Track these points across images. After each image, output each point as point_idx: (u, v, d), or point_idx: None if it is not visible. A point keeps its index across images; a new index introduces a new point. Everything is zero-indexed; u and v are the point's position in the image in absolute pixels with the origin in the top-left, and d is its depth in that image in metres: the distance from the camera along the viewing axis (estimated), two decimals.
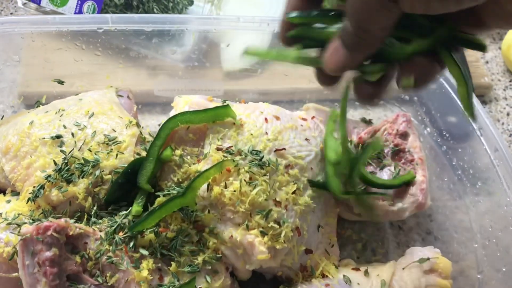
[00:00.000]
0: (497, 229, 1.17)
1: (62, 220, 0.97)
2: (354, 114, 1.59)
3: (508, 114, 1.70)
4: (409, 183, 1.26)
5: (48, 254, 0.93)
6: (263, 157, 1.11)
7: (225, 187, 1.07)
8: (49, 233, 0.93)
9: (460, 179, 1.32)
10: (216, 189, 1.07)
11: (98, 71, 1.45)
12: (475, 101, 1.28)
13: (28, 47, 1.37)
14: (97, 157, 1.12)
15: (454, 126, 1.37)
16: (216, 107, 1.15)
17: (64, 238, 0.96)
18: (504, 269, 1.12)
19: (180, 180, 1.11)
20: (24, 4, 1.57)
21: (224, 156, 1.10)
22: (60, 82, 1.41)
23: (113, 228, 1.05)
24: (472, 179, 1.28)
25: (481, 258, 1.19)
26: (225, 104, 1.21)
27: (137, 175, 1.10)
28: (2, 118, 1.35)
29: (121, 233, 1.04)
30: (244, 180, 1.07)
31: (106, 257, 1.01)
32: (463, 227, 1.30)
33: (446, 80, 1.34)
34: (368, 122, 1.50)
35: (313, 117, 1.31)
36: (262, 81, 1.55)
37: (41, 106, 1.32)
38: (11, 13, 1.78)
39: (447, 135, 1.37)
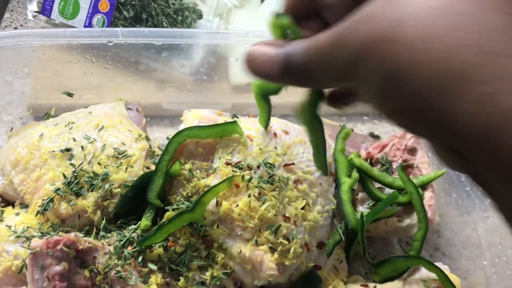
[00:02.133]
0: (507, 246, 1.17)
1: (72, 234, 0.97)
2: (362, 128, 1.59)
3: None
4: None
5: (57, 268, 0.93)
6: (274, 172, 1.11)
7: (234, 202, 1.07)
8: (59, 247, 0.93)
9: (469, 195, 1.32)
10: (225, 204, 1.07)
11: (107, 84, 1.46)
12: None
13: (38, 59, 1.38)
14: (107, 171, 1.13)
15: None
16: (224, 124, 1.15)
17: (73, 253, 0.96)
18: None
19: (189, 194, 1.11)
20: (34, 16, 1.58)
21: (233, 170, 1.10)
22: (70, 95, 1.41)
23: (122, 242, 1.05)
24: (481, 195, 1.28)
25: (490, 276, 1.19)
26: (233, 119, 1.21)
27: (146, 189, 1.10)
28: (11, 130, 1.35)
29: (130, 248, 1.04)
30: (254, 196, 1.07)
31: (115, 271, 1.00)
32: (472, 243, 1.29)
33: None
34: (376, 137, 1.50)
35: None
36: None
37: (50, 118, 1.33)
38: (20, 25, 1.80)
39: None
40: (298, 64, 0.62)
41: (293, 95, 1.55)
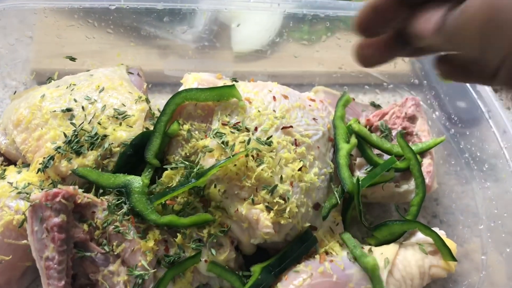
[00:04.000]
0: (503, 211, 1.17)
1: (71, 187, 0.99)
2: (364, 98, 1.59)
3: None
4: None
5: (56, 220, 0.95)
6: (271, 133, 1.12)
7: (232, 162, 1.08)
8: (57, 199, 0.95)
9: (468, 163, 1.32)
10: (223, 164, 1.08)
11: (109, 50, 1.47)
12: (488, 87, 1.28)
13: (41, 23, 1.39)
14: (106, 130, 1.14)
15: (463, 110, 1.36)
16: (222, 87, 1.15)
17: (72, 205, 0.98)
18: (508, 250, 1.12)
19: (188, 154, 1.12)
20: None
21: (231, 131, 1.11)
22: (72, 59, 1.42)
23: (120, 201, 1.07)
24: (480, 163, 1.28)
25: (486, 240, 1.19)
26: (232, 83, 1.21)
27: (144, 148, 1.11)
28: (15, 93, 1.36)
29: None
30: (252, 156, 1.08)
31: (113, 226, 1.02)
32: (470, 212, 1.30)
33: None
34: (377, 106, 1.50)
35: (321, 100, 1.31)
36: (272, 63, 1.56)
37: (53, 81, 1.34)
38: None
39: (456, 119, 1.36)
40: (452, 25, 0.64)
41: (294, 65, 1.56)
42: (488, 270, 1.14)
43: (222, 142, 1.08)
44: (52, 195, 0.95)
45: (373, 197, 1.26)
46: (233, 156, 1.06)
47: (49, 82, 1.37)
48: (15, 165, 1.22)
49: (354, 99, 1.47)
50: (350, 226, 1.27)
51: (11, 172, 1.17)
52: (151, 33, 1.45)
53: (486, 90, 1.27)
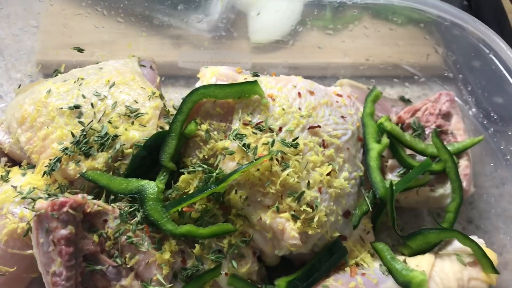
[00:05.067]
0: None
1: (79, 196, 0.90)
2: (391, 92, 1.48)
3: None
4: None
5: (63, 232, 0.86)
6: (297, 134, 1.02)
7: (255, 166, 0.98)
8: (65, 209, 0.87)
9: (508, 165, 1.21)
10: (245, 169, 0.98)
11: (119, 40, 1.37)
12: None
13: (47, 12, 1.30)
14: (118, 130, 1.05)
15: (502, 106, 1.25)
16: (243, 83, 1.05)
17: (81, 216, 0.89)
18: None
19: (206, 156, 1.03)
20: None
21: (253, 132, 1.02)
22: (80, 50, 1.33)
23: (133, 208, 0.98)
24: None
25: None
26: (254, 78, 1.11)
27: (159, 150, 1.02)
28: (19, 87, 1.28)
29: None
30: (276, 159, 0.99)
31: (125, 237, 0.94)
32: (509, 217, 1.20)
33: (497, 56, 1.22)
34: (407, 101, 1.40)
35: (348, 96, 1.21)
36: (293, 54, 1.45)
37: (59, 75, 1.25)
38: None
39: (495, 117, 1.26)
40: None
41: (317, 56, 1.46)
42: None
43: (243, 145, 0.99)
44: (59, 205, 0.87)
45: (406, 202, 1.17)
46: (256, 160, 0.97)
47: (56, 75, 1.28)
48: (20, 166, 1.14)
49: (382, 93, 1.37)
50: (380, 232, 1.18)
51: (15, 174, 1.09)
52: (164, 22, 1.35)
53: None
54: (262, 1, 1.40)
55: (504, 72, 1.20)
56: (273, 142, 1.00)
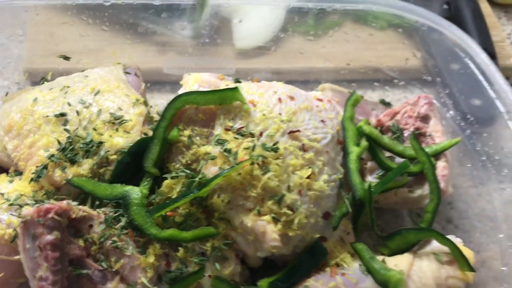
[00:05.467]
0: None
1: (64, 202, 0.93)
2: (373, 95, 1.52)
3: None
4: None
5: (49, 237, 0.88)
6: (278, 139, 1.05)
7: (236, 171, 1.01)
8: (50, 215, 0.89)
9: (484, 165, 1.25)
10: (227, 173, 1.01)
11: (105, 47, 1.40)
12: (504, 83, 1.21)
13: (33, 21, 1.32)
14: (102, 137, 1.07)
15: (479, 109, 1.29)
16: (224, 90, 1.08)
17: (66, 221, 0.92)
18: None
19: (189, 162, 1.06)
20: None
21: (234, 137, 1.04)
22: (66, 58, 1.35)
23: (118, 213, 1.00)
24: (498, 166, 1.21)
25: (506, 249, 1.13)
26: (235, 84, 1.14)
27: (143, 156, 1.04)
28: (6, 95, 1.30)
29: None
30: (257, 164, 1.02)
31: (111, 241, 0.96)
32: (486, 216, 1.23)
33: (472, 60, 1.26)
34: (387, 104, 1.43)
35: (329, 100, 1.24)
36: (276, 59, 1.48)
37: (46, 82, 1.27)
38: None
39: (471, 119, 1.29)
40: None
41: (299, 61, 1.49)
42: (511, 282, 1.08)
43: (225, 150, 1.02)
44: (44, 211, 0.89)
45: (385, 203, 1.20)
46: (237, 164, 0.99)
47: (42, 83, 1.30)
48: (7, 173, 1.16)
49: (363, 97, 1.40)
50: (361, 233, 1.21)
51: (3, 182, 1.11)
52: (149, 29, 1.38)
53: (505, 89, 1.20)
54: (245, 9, 1.43)
55: (479, 76, 1.24)
56: (254, 146, 1.03)
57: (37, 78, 1.36)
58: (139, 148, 1.06)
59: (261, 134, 1.07)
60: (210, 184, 0.98)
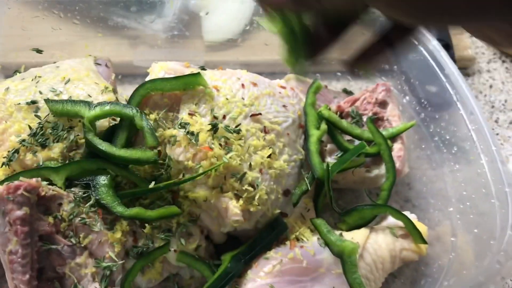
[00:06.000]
0: (471, 192, 1.18)
1: (33, 180, 0.97)
2: (337, 86, 1.58)
3: (491, 87, 1.70)
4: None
5: (18, 213, 0.93)
6: (240, 121, 1.11)
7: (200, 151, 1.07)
8: (19, 192, 0.93)
9: (438, 147, 1.32)
10: (190, 154, 1.07)
11: (77, 41, 1.44)
12: (453, 67, 1.29)
13: (5, 15, 1.36)
14: (72, 122, 1.12)
15: (433, 94, 1.37)
16: (187, 75, 1.14)
17: (35, 198, 0.96)
18: (476, 231, 1.13)
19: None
20: None
21: (197, 121, 1.10)
22: (39, 51, 1.39)
23: (87, 194, 1.05)
24: (449, 146, 1.29)
25: (455, 222, 1.20)
26: (198, 71, 1.20)
27: (112, 140, 1.09)
28: None
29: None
30: (219, 144, 1.07)
31: (79, 218, 1.01)
32: (441, 195, 1.30)
33: (425, 48, 1.33)
34: (349, 93, 1.50)
35: (292, 88, 1.31)
36: (244, 52, 1.54)
37: (18, 74, 1.31)
38: None
39: (426, 103, 1.37)
40: None
41: (266, 53, 1.55)
42: (457, 251, 1.15)
43: (187, 132, 1.07)
44: (14, 188, 0.93)
45: (344, 182, 1.27)
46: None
47: (16, 76, 1.34)
48: None
49: (326, 86, 1.47)
50: (323, 212, 1.27)
51: None
52: (119, 23, 1.43)
53: (455, 74, 1.28)
54: (213, 3, 1.49)
55: (431, 61, 1.31)
56: (217, 128, 1.09)
57: (10, 72, 1.40)
58: (108, 133, 1.11)
59: (224, 117, 1.12)
60: (181, 182, 1.04)
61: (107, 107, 1.08)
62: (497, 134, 1.58)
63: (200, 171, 1.05)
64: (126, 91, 1.50)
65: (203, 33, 1.53)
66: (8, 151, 1.11)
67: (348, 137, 1.30)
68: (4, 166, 1.10)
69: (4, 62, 1.44)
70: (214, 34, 1.54)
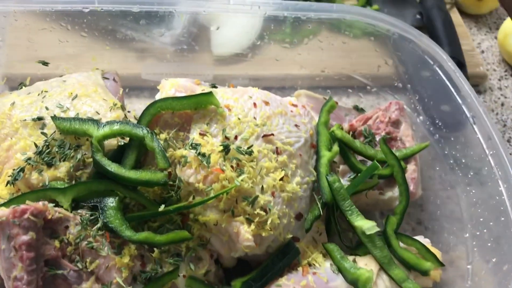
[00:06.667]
0: (488, 219, 1.15)
1: (40, 203, 0.94)
2: (347, 101, 1.56)
3: (502, 104, 1.68)
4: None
5: (24, 238, 0.90)
6: (252, 142, 1.08)
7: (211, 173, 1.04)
8: (25, 216, 0.90)
9: (452, 169, 1.29)
10: (201, 176, 1.04)
11: (84, 53, 1.41)
12: (470, 89, 1.26)
13: (11, 26, 1.33)
14: (80, 140, 1.09)
15: (447, 114, 1.34)
16: (199, 95, 1.11)
17: (41, 222, 0.93)
18: (494, 260, 1.10)
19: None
20: None
21: (209, 141, 1.07)
22: (45, 64, 1.36)
23: (94, 216, 1.02)
24: (465, 169, 1.26)
25: (471, 249, 1.17)
26: (210, 90, 1.17)
27: (120, 161, 1.06)
28: None
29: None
30: (231, 166, 1.04)
31: (86, 242, 0.98)
32: (455, 218, 1.28)
33: (440, 67, 1.31)
34: (360, 110, 1.47)
35: (303, 106, 1.28)
36: (253, 66, 1.52)
37: (24, 87, 1.28)
38: None
39: (440, 124, 1.34)
40: None
41: (276, 68, 1.53)
42: (475, 279, 1.12)
43: (199, 154, 1.04)
44: (20, 212, 0.90)
45: (358, 205, 1.22)
46: (209, 167, 1.02)
47: (21, 88, 1.31)
48: None
49: (337, 103, 1.44)
50: (334, 234, 1.24)
51: None
52: (127, 36, 1.40)
53: (470, 95, 1.25)
54: (222, 17, 1.46)
55: (447, 82, 1.29)
56: (229, 149, 1.06)
57: (16, 84, 1.37)
58: (117, 153, 1.08)
59: (236, 137, 1.09)
60: (192, 206, 1.01)
61: (117, 127, 1.05)
62: (510, 154, 1.55)
63: (211, 193, 1.02)
64: (133, 105, 1.48)
65: (212, 47, 1.50)
66: (13, 169, 1.07)
67: (361, 158, 1.27)
68: (9, 185, 1.06)
69: (10, 73, 1.42)
70: (223, 48, 1.51)
